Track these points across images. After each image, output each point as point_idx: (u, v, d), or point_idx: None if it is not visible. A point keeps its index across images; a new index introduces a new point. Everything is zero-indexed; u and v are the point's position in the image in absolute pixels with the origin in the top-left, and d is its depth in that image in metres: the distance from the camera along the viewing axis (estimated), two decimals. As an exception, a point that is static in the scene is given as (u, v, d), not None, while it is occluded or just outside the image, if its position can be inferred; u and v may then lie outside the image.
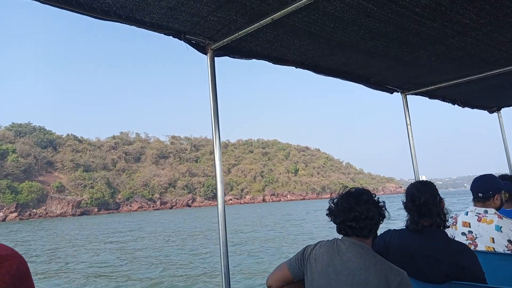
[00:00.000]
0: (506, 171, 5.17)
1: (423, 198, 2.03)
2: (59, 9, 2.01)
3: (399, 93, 4.40)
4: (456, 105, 5.01)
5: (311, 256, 1.80)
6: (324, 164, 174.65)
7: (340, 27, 2.53)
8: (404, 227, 2.15)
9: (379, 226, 1.79)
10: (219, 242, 2.54)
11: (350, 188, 1.85)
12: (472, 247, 2.46)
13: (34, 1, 1.82)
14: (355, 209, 1.72)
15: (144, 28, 2.31)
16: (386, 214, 1.81)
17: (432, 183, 2.18)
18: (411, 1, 2.23)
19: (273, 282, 1.93)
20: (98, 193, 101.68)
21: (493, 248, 2.46)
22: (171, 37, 2.45)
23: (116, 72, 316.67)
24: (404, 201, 2.15)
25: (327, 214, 1.85)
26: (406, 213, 2.10)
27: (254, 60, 2.96)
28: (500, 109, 5.62)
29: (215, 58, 2.69)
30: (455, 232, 2.67)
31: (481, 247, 2.52)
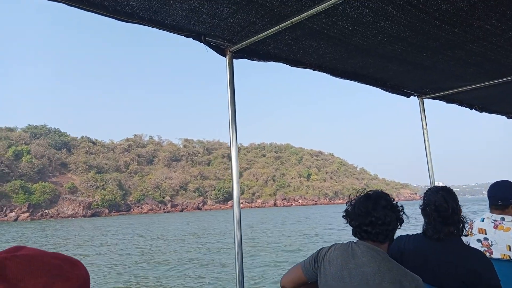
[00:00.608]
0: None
1: (451, 209, 1.99)
2: (76, 11, 2.08)
3: (416, 97, 4.34)
4: (473, 109, 4.93)
5: (325, 258, 1.78)
6: (337, 169, 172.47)
7: (358, 30, 2.52)
8: (420, 233, 2.11)
9: (396, 231, 1.77)
10: (234, 243, 2.53)
11: (368, 191, 1.82)
12: (487, 254, 2.40)
13: (59, 3, 1.87)
14: (372, 213, 1.70)
15: (166, 30, 2.36)
16: (405, 218, 1.78)
17: (452, 189, 2.14)
18: (432, 6, 2.22)
19: (286, 283, 1.92)
20: (109, 194, 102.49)
21: (509, 256, 2.43)
22: (191, 39, 2.50)
23: (132, 75, 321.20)
24: (423, 207, 2.10)
25: (343, 216, 1.83)
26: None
27: (271, 62, 2.97)
28: None
29: (234, 60, 2.70)
30: (470, 239, 2.61)
31: (496, 254, 2.48)
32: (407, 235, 2.20)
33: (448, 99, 4.51)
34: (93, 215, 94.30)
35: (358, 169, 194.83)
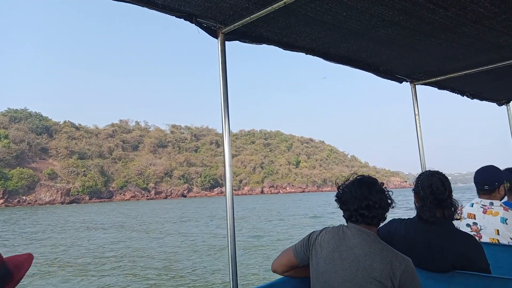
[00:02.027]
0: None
1: (448, 192, 2.02)
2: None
3: (408, 83, 4.35)
4: (465, 96, 4.99)
5: (316, 241, 1.81)
6: (327, 156, 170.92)
7: (352, 16, 2.55)
8: (414, 217, 2.13)
9: (383, 219, 1.81)
10: (227, 230, 2.52)
11: (358, 176, 1.84)
12: (476, 239, 2.34)
13: None
14: (368, 197, 1.72)
15: (156, 9, 2.32)
16: (393, 204, 1.82)
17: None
18: None
19: (278, 267, 1.95)
20: (90, 181, 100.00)
21: (498, 240, 2.49)
22: (182, 20, 2.49)
23: (120, 58, 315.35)
24: (416, 190, 2.11)
25: (336, 200, 1.84)
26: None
27: (263, 45, 2.96)
28: (510, 102, 5.50)
29: (226, 42, 2.68)
30: (460, 224, 2.66)
31: (485, 238, 2.54)
32: (400, 218, 2.21)
33: (440, 85, 4.51)
34: (72, 202, 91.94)
35: (349, 156, 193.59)
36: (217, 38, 2.64)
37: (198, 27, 2.53)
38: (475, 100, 5.20)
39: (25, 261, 1.02)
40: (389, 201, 1.79)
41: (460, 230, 2.06)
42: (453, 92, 4.81)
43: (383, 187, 1.81)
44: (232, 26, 2.57)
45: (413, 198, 2.15)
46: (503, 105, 5.59)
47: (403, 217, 2.22)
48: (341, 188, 1.84)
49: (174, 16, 2.43)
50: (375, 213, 1.73)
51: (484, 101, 5.41)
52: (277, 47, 3.01)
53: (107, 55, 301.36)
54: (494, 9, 2.52)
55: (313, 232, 1.88)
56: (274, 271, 1.97)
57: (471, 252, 1.89)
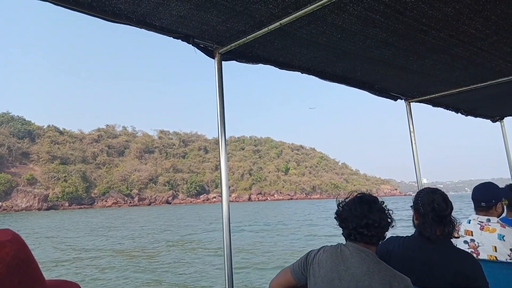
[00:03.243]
0: (507, 175, 5.23)
1: (449, 210, 2.01)
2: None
3: (403, 100, 4.40)
4: (459, 113, 5.02)
5: (314, 261, 1.78)
6: (317, 163, 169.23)
7: (347, 37, 2.61)
8: (413, 234, 2.10)
9: (382, 239, 1.80)
10: (223, 241, 2.54)
11: (359, 194, 1.84)
12: (474, 256, 2.36)
13: (46, 2, 1.86)
14: (368, 216, 1.71)
15: (154, 31, 2.39)
16: (393, 223, 1.81)
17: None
18: (418, 12, 2.28)
19: (276, 286, 1.91)
20: (71, 186, 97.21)
21: (495, 257, 2.48)
22: (179, 40, 2.54)
23: (111, 63, 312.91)
24: (416, 207, 2.08)
25: (335, 218, 1.83)
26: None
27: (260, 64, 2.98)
28: (503, 118, 5.59)
29: (223, 62, 2.74)
30: (457, 241, 2.64)
31: (483, 255, 2.53)
32: (397, 236, 2.19)
33: (434, 103, 4.58)
34: (49, 208, 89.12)
35: (339, 164, 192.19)
36: (214, 58, 2.69)
37: (195, 48, 2.59)
38: (468, 117, 5.25)
39: None
40: (389, 220, 1.77)
41: (459, 248, 2.04)
42: (447, 109, 4.84)
43: (384, 205, 1.78)
44: (228, 46, 2.62)
45: (413, 214, 2.11)
46: (497, 122, 5.61)
47: (400, 235, 2.21)
48: (341, 205, 1.82)
49: (171, 37, 2.49)
50: (374, 232, 1.70)
51: (478, 118, 5.41)
52: (273, 67, 3.06)
53: (97, 60, 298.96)
54: (485, 31, 2.59)
55: (311, 251, 1.84)
56: None
57: (469, 271, 1.87)
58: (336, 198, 1.87)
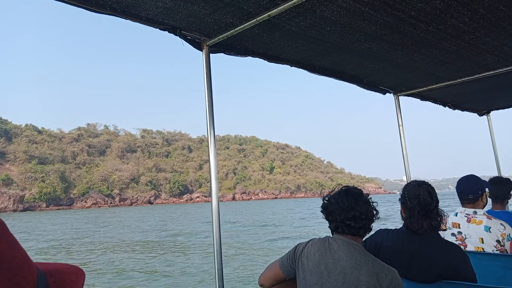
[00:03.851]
0: (491, 172, 5.22)
1: (435, 203, 2.01)
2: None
3: (392, 94, 4.42)
4: (447, 107, 5.06)
5: (302, 254, 1.79)
6: (302, 162, 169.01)
7: (336, 30, 2.59)
8: (401, 227, 2.11)
9: (368, 231, 1.81)
10: (213, 238, 2.52)
11: (344, 187, 1.84)
12: (461, 248, 2.41)
13: None
14: (355, 208, 1.72)
15: (140, 22, 2.33)
16: (378, 215, 1.82)
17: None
18: (407, 4, 2.27)
19: (265, 281, 1.90)
20: (48, 187, 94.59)
21: (482, 249, 2.52)
22: (166, 32, 2.49)
23: (95, 61, 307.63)
24: (403, 200, 2.09)
25: (322, 211, 1.83)
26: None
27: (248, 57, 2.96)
28: (490, 112, 5.64)
29: (211, 54, 2.71)
30: (445, 233, 2.67)
31: (470, 247, 2.57)
32: (386, 229, 2.20)
33: (423, 97, 4.59)
34: (25, 209, 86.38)
35: (325, 162, 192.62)
36: (201, 51, 2.65)
37: (182, 40, 2.54)
38: (456, 111, 5.32)
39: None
40: (374, 211, 1.78)
41: (447, 241, 2.06)
42: (435, 103, 4.87)
43: (368, 198, 1.79)
44: (216, 38, 2.58)
45: (400, 208, 2.12)
46: (484, 115, 5.67)
47: (389, 227, 2.21)
48: (326, 198, 1.82)
49: (158, 29, 2.42)
50: (361, 224, 1.71)
51: (465, 111, 5.46)
52: (262, 60, 3.01)
53: (79, 55, 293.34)
54: (473, 24, 2.59)
55: (299, 244, 1.84)
56: (261, 285, 1.92)
57: (458, 262, 1.90)
58: (321, 193, 1.87)
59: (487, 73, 3.70)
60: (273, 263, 1.91)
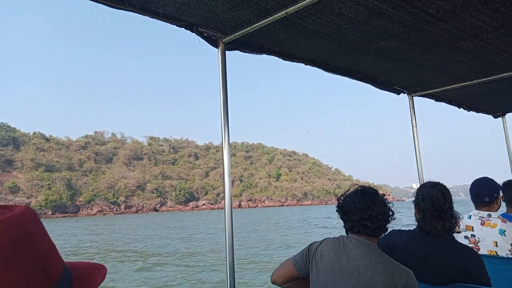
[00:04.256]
0: (505, 177, 4.61)
1: (448, 204, 2.00)
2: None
3: (406, 94, 4.34)
4: (461, 108, 4.97)
5: (317, 252, 1.78)
6: (309, 169, 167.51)
7: (353, 28, 2.57)
8: (414, 229, 2.11)
9: (384, 232, 1.80)
10: (226, 246, 2.51)
11: (360, 186, 1.84)
12: (476, 251, 2.35)
13: None
14: (371, 208, 1.71)
15: (157, 18, 2.35)
16: (394, 216, 1.81)
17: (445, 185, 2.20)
18: (426, 2, 2.25)
19: (278, 278, 1.90)
20: (54, 194, 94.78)
21: (496, 252, 2.49)
22: (183, 29, 2.49)
23: (105, 70, 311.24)
24: (417, 201, 2.09)
25: (337, 211, 1.82)
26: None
27: (264, 55, 2.96)
28: (505, 114, 5.55)
29: (226, 52, 2.70)
30: (458, 236, 2.63)
31: (483, 250, 2.54)
32: (400, 230, 2.19)
33: (437, 97, 4.52)
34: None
35: (332, 169, 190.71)
36: (217, 48, 2.64)
37: (198, 36, 2.54)
38: (470, 112, 5.18)
39: (98, 275, 0.75)
40: (390, 212, 1.76)
41: (461, 243, 2.03)
42: (449, 104, 4.78)
43: (384, 198, 1.78)
44: (232, 36, 2.59)
45: (414, 210, 2.13)
46: (499, 117, 5.56)
47: (403, 229, 2.23)
48: (342, 198, 1.81)
49: (175, 25, 2.45)
50: (378, 225, 1.70)
51: (480, 113, 5.35)
52: (277, 57, 2.99)
53: (87, 64, 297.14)
54: (492, 23, 2.53)
55: (313, 242, 1.84)
56: (273, 282, 1.91)
57: (472, 266, 1.86)
58: (334, 191, 1.90)
59: (504, 74, 3.60)
60: (287, 260, 1.90)
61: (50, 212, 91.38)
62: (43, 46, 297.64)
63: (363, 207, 1.70)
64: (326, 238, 1.82)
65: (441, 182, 2.08)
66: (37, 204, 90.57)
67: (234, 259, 2.49)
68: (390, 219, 1.75)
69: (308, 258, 1.80)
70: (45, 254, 0.61)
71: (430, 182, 2.10)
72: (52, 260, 0.63)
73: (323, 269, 1.71)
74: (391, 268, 1.61)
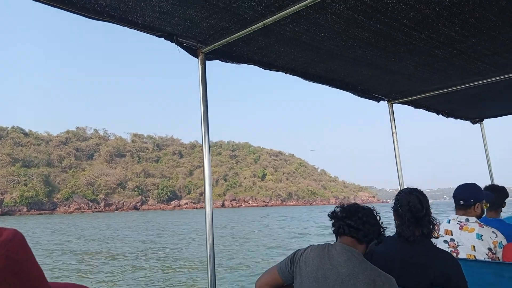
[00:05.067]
0: (486, 181, 5.24)
1: (425, 210, 2.02)
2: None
3: (386, 101, 4.44)
4: (440, 115, 5.08)
5: (301, 259, 1.81)
6: (295, 169, 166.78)
7: (330, 37, 2.64)
8: (393, 235, 2.13)
9: (372, 240, 1.82)
10: (206, 245, 2.53)
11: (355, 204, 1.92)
12: (454, 255, 2.54)
13: None
14: (359, 211, 1.80)
15: (136, 29, 2.36)
16: (382, 231, 1.86)
17: (423, 192, 2.20)
18: (399, 12, 2.32)
19: (262, 285, 1.91)
20: (30, 191, 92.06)
21: (474, 256, 2.55)
22: (163, 39, 2.52)
23: (88, 65, 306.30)
24: (395, 208, 2.11)
25: (329, 215, 1.89)
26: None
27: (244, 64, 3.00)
28: (483, 120, 5.66)
29: (206, 61, 2.74)
30: (437, 240, 2.69)
31: (462, 255, 2.60)
32: None
33: (416, 104, 4.62)
34: (4, 213, 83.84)
35: (318, 170, 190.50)
36: (197, 58, 2.68)
37: (178, 47, 2.57)
38: (449, 119, 5.32)
39: None
40: (380, 230, 1.82)
41: (439, 248, 2.08)
42: (428, 111, 4.88)
43: (376, 214, 1.84)
44: (212, 46, 2.62)
45: (393, 216, 2.14)
46: (477, 123, 5.65)
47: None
48: (335, 209, 1.90)
49: (154, 36, 2.46)
50: (362, 227, 1.74)
51: (459, 119, 5.46)
52: (257, 67, 3.04)
53: (75, 58, 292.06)
54: (464, 33, 2.64)
55: (298, 250, 1.87)
56: None
57: (450, 271, 1.90)
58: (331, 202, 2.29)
59: (479, 82, 3.70)
60: (271, 268, 1.91)
61: (25, 209, 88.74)
62: (30, 46, 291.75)
63: (351, 208, 1.81)
64: (310, 245, 1.84)
65: (418, 188, 2.11)
66: (12, 201, 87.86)
67: (215, 262, 2.48)
68: (378, 228, 1.79)
69: (292, 265, 1.81)
70: (33, 283, 0.60)
71: (407, 188, 2.13)
72: (41, 286, 0.61)
73: (307, 275, 1.73)
74: (373, 275, 1.63)
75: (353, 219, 1.75)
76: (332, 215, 1.85)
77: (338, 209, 1.85)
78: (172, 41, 2.48)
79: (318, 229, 29.09)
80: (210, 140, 2.69)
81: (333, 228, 1.83)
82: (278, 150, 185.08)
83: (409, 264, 1.95)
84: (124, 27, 2.28)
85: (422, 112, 4.84)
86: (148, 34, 2.42)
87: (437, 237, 2.21)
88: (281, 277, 1.84)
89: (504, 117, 5.64)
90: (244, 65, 2.90)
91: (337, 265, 1.67)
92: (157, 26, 2.36)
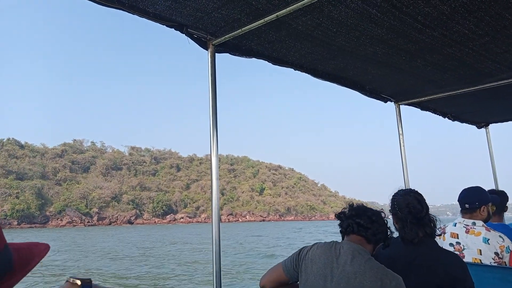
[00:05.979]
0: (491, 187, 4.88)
1: (425, 209, 2.02)
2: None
3: (393, 102, 4.39)
4: (446, 118, 5.02)
5: (307, 257, 1.80)
6: (294, 184, 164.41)
7: (342, 32, 2.61)
8: (396, 238, 2.08)
9: (380, 241, 1.83)
10: (212, 257, 2.49)
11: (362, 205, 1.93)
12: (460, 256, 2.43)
13: None
14: (368, 211, 1.81)
15: (147, 18, 2.35)
16: (389, 232, 1.86)
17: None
18: (415, 8, 2.30)
19: (267, 283, 1.90)
20: (22, 203, 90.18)
21: (480, 260, 2.55)
22: (173, 29, 2.49)
23: (88, 76, 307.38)
24: (394, 211, 2.09)
25: (336, 215, 1.90)
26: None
27: (253, 59, 2.99)
28: (488, 125, 5.61)
29: (216, 54, 2.69)
30: (443, 243, 2.70)
31: (468, 258, 2.59)
32: None
33: (423, 106, 4.57)
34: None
35: (319, 185, 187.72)
36: (207, 50, 2.65)
37: (188, 38, 2.54)
38: (456, 123, 5.27)
39: (40, 252, 0.78)
40: (387, 233, 1.82)
41: (445, 249, 2.06)
42: (434, 113, 4.83)
43: (384, 217, 1.84)
44: (222, 38, 2.59)
45: (392, 218, 2.11)
46: (482, 128, 5.59)
47: None
48: (344, 209, 1.91)
49: (164, 26, 2.44)
50: (370, 225, 1.75)
51: (464, 123, 5.40)
52: (267, 62, 3.00)
53: (74, 71, 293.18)
54: (478, 31, 2.63)
55: (304, 247, 1.86)
56: (262, 287, 1.90)
57: (457, 272, 1.88)
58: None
59: (488, 85, 3.65)
60: (276, 265, 1.90)
61: (15, 222, 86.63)
62: (26, 51, 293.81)
63: (360, 209, 1.82)
64: (316, 243, 1.82)
65: (413, 188, 2.10)
66: (2, 214, 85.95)
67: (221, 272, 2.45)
68: (385, 229, 1.78)
69: (298, 262, 1.79)
70: None
71: (402, 190, 2.11)
72: None
73: (313, 273, 1.71)
74: (380, 274, 1.62)
75: (362, 218, 1.74)
76: (340, 215, 1.84)
77: (346, 209, 1.84)
78: (182, 32, 2.44)
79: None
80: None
81: (341, 228, 1.81)
82: (278, 164, 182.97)
83: (414, 267, 1.91)
84: (134, 15, 2.24)
85: (422, 120, 4.42)
86: (158, 24, 2.36)
87: (439, 235, 2.12)
88: (285, 275, 1.82)
89: (509, 122, 5.49)
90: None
91: (343, 263, 1.66)
92: (168, 16, 2.33)
